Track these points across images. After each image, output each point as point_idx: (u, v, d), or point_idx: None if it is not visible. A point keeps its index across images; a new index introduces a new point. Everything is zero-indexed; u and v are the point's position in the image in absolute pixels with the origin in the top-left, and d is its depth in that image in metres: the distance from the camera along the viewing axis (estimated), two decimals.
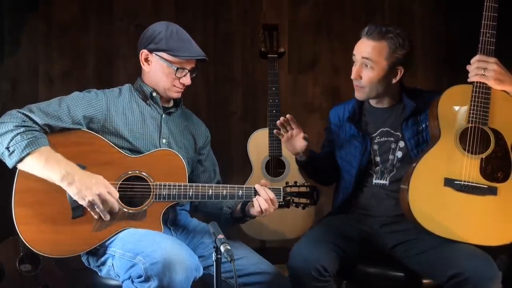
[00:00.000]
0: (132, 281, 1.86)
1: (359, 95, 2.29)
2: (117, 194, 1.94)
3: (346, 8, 3.69)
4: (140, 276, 1.82)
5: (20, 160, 1.87)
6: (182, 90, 2.21)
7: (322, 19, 3.68)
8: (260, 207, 2.07)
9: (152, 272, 1.78)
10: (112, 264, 1.96)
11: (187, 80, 2.18)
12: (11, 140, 1.87)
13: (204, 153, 2.37)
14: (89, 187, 1.88)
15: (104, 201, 1.89)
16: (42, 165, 1.88)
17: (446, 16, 3.67)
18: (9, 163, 1.89)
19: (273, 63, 3.03)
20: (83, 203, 1.89)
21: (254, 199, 2.08)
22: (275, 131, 2.32)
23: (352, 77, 2.26)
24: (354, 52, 2.26)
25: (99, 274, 2.07)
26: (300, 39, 3.67)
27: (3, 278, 2.92)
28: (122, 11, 3.55)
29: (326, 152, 2.50)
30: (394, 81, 2.25)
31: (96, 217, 1.93)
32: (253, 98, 3.63)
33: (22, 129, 1.90)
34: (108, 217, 1.93)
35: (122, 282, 1.92)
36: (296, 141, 2.29)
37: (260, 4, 3.65)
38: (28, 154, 1.87)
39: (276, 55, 3.05)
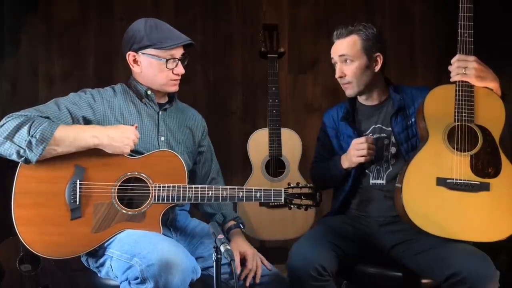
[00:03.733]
0: (129, 283, 1.86)
1: (349, 91, 2.33)
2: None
3: (346, 8, 3.69)
4: (136, 278, 1.82)
5: (48, 142, 1.87)
6: (178, 81, 2.20)
7: (322, 19, 3.68)
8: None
9: (148, 274, 1.78)
10: (111, 265, 1.96)
11: (180, 69, 2.16)
12: (30, 128, 1.87)
13: (204, 144, 2.37)
14: (121, 141, 1.96)
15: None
16: (72, 138, 1.91)
17: (446, 16, 3.67)
18: (38, 150, 1.87)
19: (273, 63, 3.03)
20: (120, 150, 1.98)
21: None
22: None
23: (337, 76, 2.32)
24: (331, 55, 2.33)
25: (99, 275, 2.07)
26: (300, 39, 3.67)
27: (3, 278, 2.92)
28: (122, 11, 3.55)
29: (326, 159, 2.48)
30: (376, 69, 2.30)
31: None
32: (253, 98, 3.63)
33: (34, 118, 1.90)
34: None
35: (120, 283, 1.92)
36: None
37: (260, 4, 3.65)
38: (54, 133, 1.88)
39: (276, 55, 3.05)
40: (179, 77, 2.19)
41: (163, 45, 2.10)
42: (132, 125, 2.03)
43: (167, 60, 2.11)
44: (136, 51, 2.13)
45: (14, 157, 1.89)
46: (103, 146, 1.95)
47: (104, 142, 1.94)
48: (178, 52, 2.15)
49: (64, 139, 1.90)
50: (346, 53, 2.27)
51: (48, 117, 1.95)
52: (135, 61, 2.16)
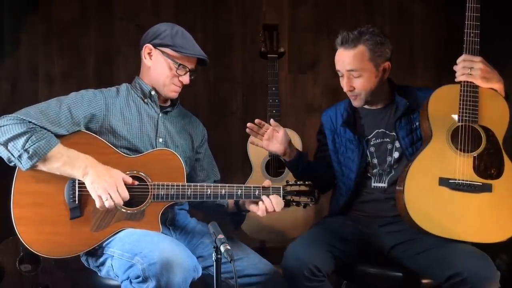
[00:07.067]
0: (131, 282, 1.86)
1: (357, 103, 2.28)
2: (126, 194, 1.94)
3: (346, 8, 3.69)
4: (138, 277, 1.82)
5: (40, 160, 1.88)
6: (180, 89, 2.22)
7: (322, 19, 3.68)
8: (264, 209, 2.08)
9: (150, 273, 1.78)
10: (111, 265, 1.96)
11: (186, 79, 2.19)
12: (26, 142, 1.87)
13: (201, 151, 2.38)
14: (104, 182, 1.90)
15: (111, 196, 1.91)
16: (62, 163, 1.91)
17: (446, 16, 3.67)
18: (27, 164, 1.88)
19: (273, 63, 3.03)
20: (93, 194, 1.91)
21: (261, 204, 2.08)
22: (250, 140, 2.29)
23: (345, 90, 2.25)
24: (337, 67, 2.24)
25: (99, 274, 2.07)
26: (300, 39, 3.66)
27: (3, 278, 2.92)
28: (122, 11, 3.54)
29: (321, 158, 2.47)
30: (385, 77, 2.25)
31: (98, 206, 1.92)
32: (253, 98, 3.63)
33: (35, 130, 1.90)
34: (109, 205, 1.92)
35: (121, 282, 1.92)
36: (277, 139, 2.26)
37: (260, 4, 3.64)
38: (47, 153, 1.88)
39: (276, 55, 3.05)
40: (182, 86, 2.21)
41: (183, 50, 2.14)
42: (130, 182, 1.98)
43: (179, 65, 2.14)
44: (155, 46, 2.16)
45: (5, 159, 1.92)
46: (83, 176, 1.92)
47: (89, 177, 1.91)
48: (191, 64, 2.19)
49: (53, 161, 1.90)
50: (354, 68, 2.18)
51: (46, 127, 1.94)
52: (149, 54, 2.19)
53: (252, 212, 2.19)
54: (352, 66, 2.18)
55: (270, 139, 2.26)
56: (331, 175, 2.43)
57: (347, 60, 2.19)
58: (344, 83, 2.24)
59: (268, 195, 2.09)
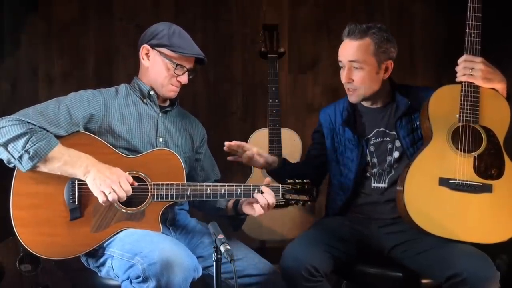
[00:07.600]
0: (131, 282, 1.86)
1: (353, 98, 2.26)
2: (129, 187, 1.93)
3: (346, 8, 3.69)
4: (138, 277, 1.82)
5: (41, 160, 1.88)
6: (178, 89, 2.22)
7: (322, 19, 3.68)
8: (260, 207, 2.08)
9: (150, 273, 1.78)
10: (111, 265, 1.96)
11: (184, 79, 2.18)
12: (26, 142, 1.87)
13: (201, 151, 2.38)
14: (106, 178, 1.89)
15: (115, 192, 1.90)
16: (63, 162, 1.90)
17: (446, 16, 3.67)
18: (28, 165, 1.88)
19: (273, 63, 3.03)
20: (96, 191, 1.89)
21: (255, 204, 2.08)
22: (229, 158, 2.29)
23: (344, 81, 2.23)
24: (340, 57, 2.23)
25: (99, 274, 2.07)
26: (300, 39, 3.66)
27: (3, 278, 2.92)
28: (122, 11, 3.55)
29: (313, 157, 2.46)
30: (385, 76, 2.24)
31: (101, 201, 1.90)
32: (253, 98, 3.63)
33: (35, 131, 1.90)
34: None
35: (121, 282, 1.92)
36: (257, 162, 2.28)
37: (260, 4, 3.65)
38: (48, 153, 1.88)
39: (276, 55, 3.05)
40: (180, 86, 2.21)
41: (180, 50, 2.14)
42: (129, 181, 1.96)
43: (177, 65, 2.14)
44: (153, 46, 2.16)
45: (4, 161, 1.91)
46: (84, 175, 1.91)
47: (91, 174, 1.90)
48: (189, 63, 2.19)
49: (54, 162, 1.90)
50: (357, 59, 2.17)
51: (45, 127, 1.94)
52: (147, 55, 2.18)
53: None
54: (355, 56, 2.18)
55: (250, 160, 2.25)
56: (319, 176, 2.44)
57: (351, 50, 2.19)
58: (343, 75, 2.22)
59: (259, 192, 2.09)
